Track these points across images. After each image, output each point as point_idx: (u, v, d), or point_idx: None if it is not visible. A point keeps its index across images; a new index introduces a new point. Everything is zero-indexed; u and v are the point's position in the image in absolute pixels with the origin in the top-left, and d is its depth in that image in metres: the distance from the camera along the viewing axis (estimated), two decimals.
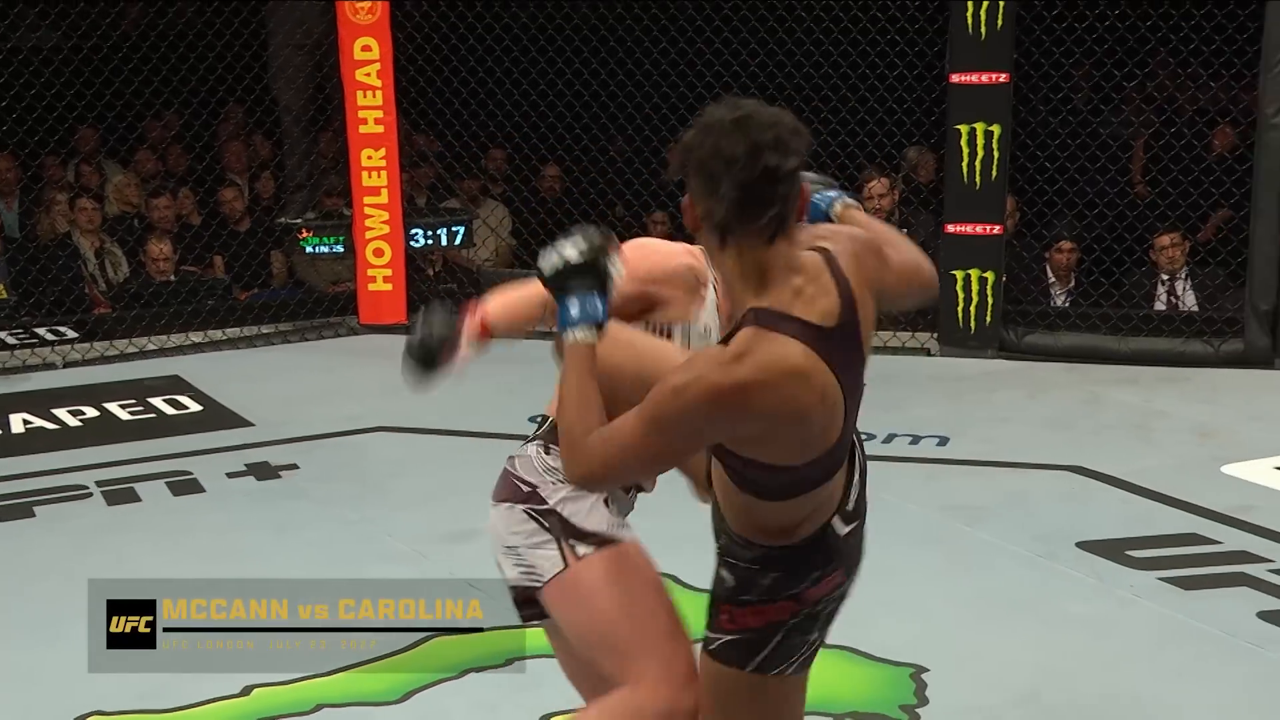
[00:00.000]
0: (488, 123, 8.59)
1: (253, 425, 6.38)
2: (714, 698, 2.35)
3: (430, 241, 8.18)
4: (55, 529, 5.15)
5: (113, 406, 6.77)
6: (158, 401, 6.83)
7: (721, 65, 7.96)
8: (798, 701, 2.39)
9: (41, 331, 7.90)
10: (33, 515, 5.30)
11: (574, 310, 2.26)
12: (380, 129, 8.00)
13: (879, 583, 4.59)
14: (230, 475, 5.69)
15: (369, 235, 8.08)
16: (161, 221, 8.55)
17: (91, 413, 6.69)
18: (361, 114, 7.99)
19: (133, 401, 6.83)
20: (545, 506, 2.56)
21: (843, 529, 2.31)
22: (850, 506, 2.34)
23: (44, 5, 7.84)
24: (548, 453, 2.59)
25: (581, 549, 2.52)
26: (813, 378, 2.10)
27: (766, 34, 8.01)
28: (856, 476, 2.36)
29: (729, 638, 2.30)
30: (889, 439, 5.98)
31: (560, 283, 2.28)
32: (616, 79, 8.29)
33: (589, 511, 2.54)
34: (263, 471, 5.75)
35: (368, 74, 7.95)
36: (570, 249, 2.29)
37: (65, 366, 7.61)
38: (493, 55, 8.33)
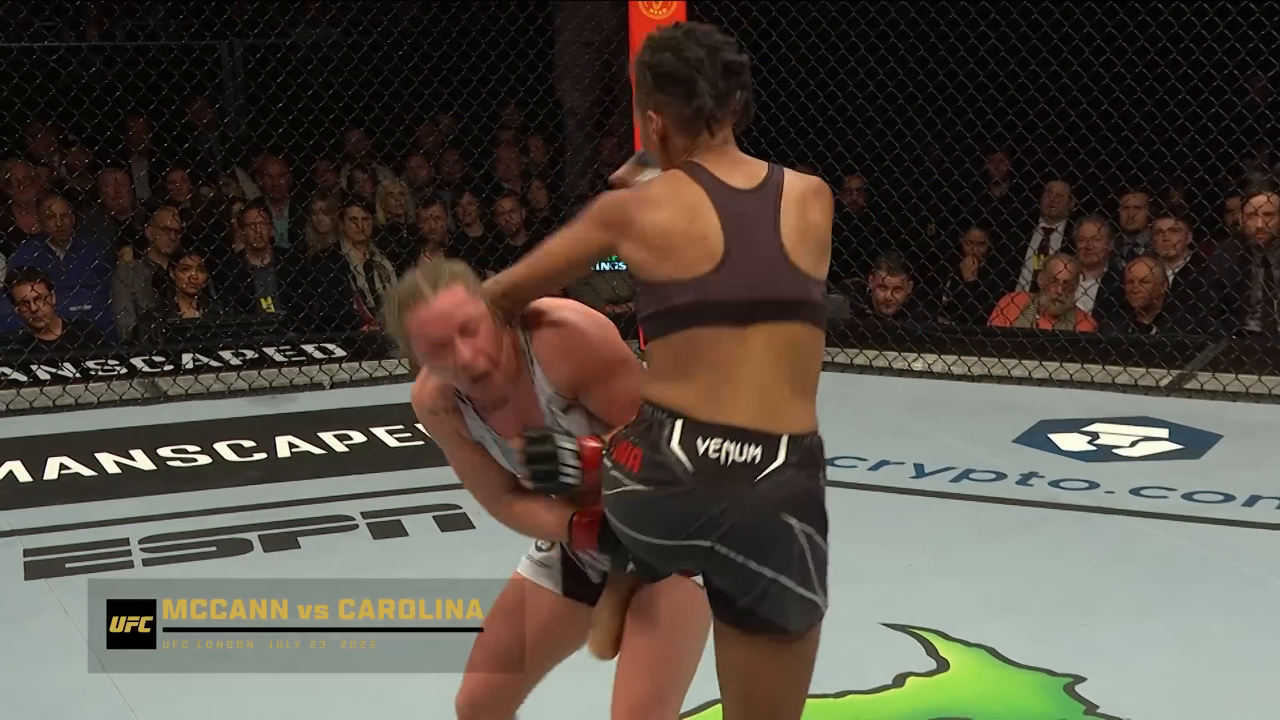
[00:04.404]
0: (769, 127, 7.79)
1: None
2: None
3: None
4: (320, 562, 4.88)
5: (380, 432, 6.33)
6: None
7: (1072, 52, 6.96)
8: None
9: (309, 349, 7.49)
10: (298, 546, 5.05)
11: None
12: None
13: (1235, 672, 3.69)
14: None
15: None
16: (433, 233, 8.03)
17: (358, 438, 6.29)
18: None
19: (400, 427, 6.33)
20: None
21: (729, 446, 2.33)
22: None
23: (325, 0, 7.41)
24: None
25: None
26: (699, 207, 2.34)
27: (1127, 15, 6.97)
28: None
29: None
30: (1251, 501, 5.08)
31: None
32: (932, 83, 7.41)
33: None
34: None
35: None
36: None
37: (333, 387, 7.19)
38: (796, 53, 7.54)
